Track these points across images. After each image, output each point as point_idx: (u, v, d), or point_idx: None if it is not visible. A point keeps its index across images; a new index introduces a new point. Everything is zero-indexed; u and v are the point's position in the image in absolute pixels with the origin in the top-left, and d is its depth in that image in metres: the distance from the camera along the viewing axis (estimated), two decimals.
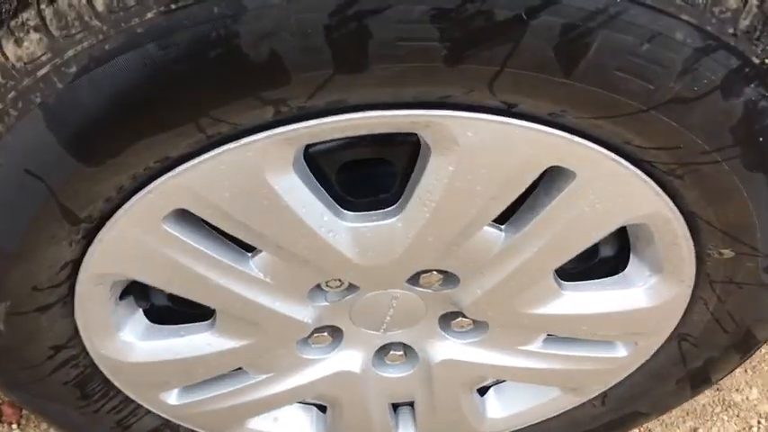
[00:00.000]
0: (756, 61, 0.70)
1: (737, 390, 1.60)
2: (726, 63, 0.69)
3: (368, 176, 0.84)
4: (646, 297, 0.96)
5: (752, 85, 0.71)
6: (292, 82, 0.65)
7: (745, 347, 1.06)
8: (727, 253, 0.89)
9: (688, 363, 1.08)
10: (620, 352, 1.06)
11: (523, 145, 0.75)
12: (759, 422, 1.55)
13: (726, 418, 1.56)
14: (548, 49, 0.65)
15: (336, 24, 0.61)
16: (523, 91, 0.69)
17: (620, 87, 0.69)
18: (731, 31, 0.68)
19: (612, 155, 0.77)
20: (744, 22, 0.68)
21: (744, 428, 1.54)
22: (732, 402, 1.58)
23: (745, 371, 1.63)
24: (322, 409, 1.20)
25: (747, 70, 0.70)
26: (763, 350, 1.67)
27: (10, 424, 1.40)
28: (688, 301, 0.97)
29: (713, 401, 1.58)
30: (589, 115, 0.73)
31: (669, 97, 0.70)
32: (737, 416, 1.56)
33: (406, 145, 0.79)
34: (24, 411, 1.41)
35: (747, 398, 1.59)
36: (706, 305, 0.98)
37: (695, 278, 0.94)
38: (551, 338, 1.06)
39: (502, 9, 0.62)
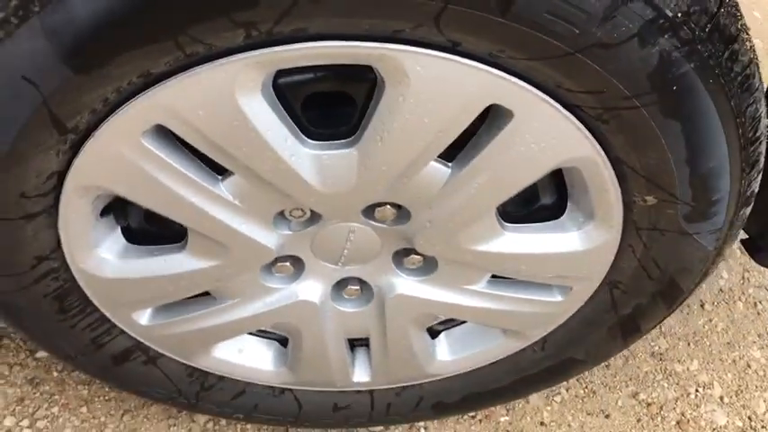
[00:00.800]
0: (670, 14, 0.80)
1: (679, 360, 1.70)
2: (642, 13, 0.79)
3: (331, 112, 0.93)
4: (580, 241, 1.06)
5: (666, 36, 0.81)
6: (261, 5, 0.75)
7: (670, 297, 1.16)
8: (651, 200, 0.99)
9: (619, 309, 1.18)
10: (557, 297, 1.16)
11: (466, 82, 0.85)
12: (697, 390, 1.66)
13: (666, 385, 1.66)
14: None
15: None
16: (465, 29, 0.79)
17: (549, 29, 0.79)
18: None
19: (546, 97, 0.87)
20: None
21: (682, 395, 1.64)
22: (673, 371, 1.68)
23: (688, 344, 1.74)
24: (283, 344, 1.29)
25: (662, 22, 0.80)
26: (706, 326, 1.78)
27: None
28: (617, 247, 1.07)
29: (655, 370, 1.68)
30: (524, 56, 0.82)
31: (592, 42, 0.80)
32: (677, 384, 1.66)
33: (367, 82, 0.89)
34: (4, 340, 1.49)
35: (688, 368, 1.70)
36: (633, 252, 1.08)
37: (623, 224, 1.04)
38: (495, 280, 1.15)
39: None
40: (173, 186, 0.94)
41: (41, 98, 0.81)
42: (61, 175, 0.92)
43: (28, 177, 0.91)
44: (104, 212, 1.03)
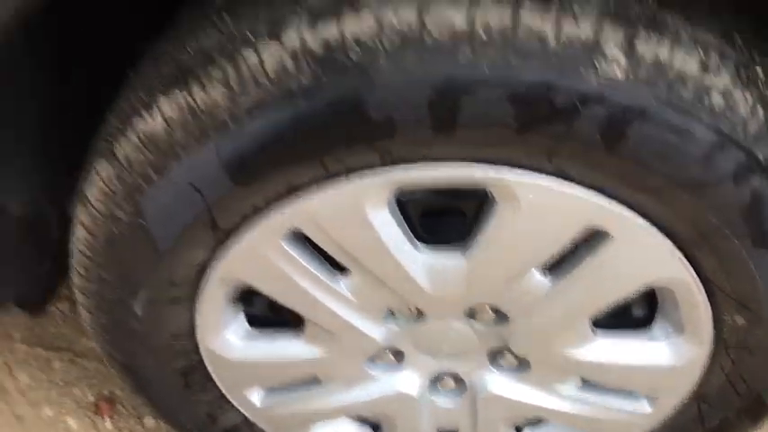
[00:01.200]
0: (761, 159, 0.89)
1: None
2: (736, 158, 0.88)
3: (443, 221, 1.04)
4: (669, 353, 1.12)
5: (758, 178, 0.90)
6: (397, 135, 0.87)
7: (755, 413, 1.19)
8: (740, 320, 1.05)
9: (705, 423, 1.22)
10: (645, 407, 1.21)
11: (571, 207, 0.95)
12: None
13: None
14: (595, 131, 0.86)
15: (438, 99, 0.84)
16: (574, 161, 0.90)
17: (651, 167, 0.89)
18: (741, 133, 0.87)
19: (645, 222, 0.96)
20: (753, 127, 0.87)
21: None
22: None
23: None
24: (375, 429, 1.37)
25: (754, 165, 0.89)
26: None
27: (103, 417, 1.61)
28: (706, 362, 1.12)
29: None
30: (627, 188, 0.92)
31: (690, 179, 0.89)
32: None
33: (477, 198, 1.00)
34: (117, 406, 1.63)
35: None
36: (722, 368, 1.13)
37: (713, 341, 1.09)
38: (586, 385, 1.21)
39: (561, 96, 0.83)
40: (300, 282, 1.05)
41: (205, 204, 0.95)
42: (205, 266, 1.05)
43: (179, 268, 1.04)
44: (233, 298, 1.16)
